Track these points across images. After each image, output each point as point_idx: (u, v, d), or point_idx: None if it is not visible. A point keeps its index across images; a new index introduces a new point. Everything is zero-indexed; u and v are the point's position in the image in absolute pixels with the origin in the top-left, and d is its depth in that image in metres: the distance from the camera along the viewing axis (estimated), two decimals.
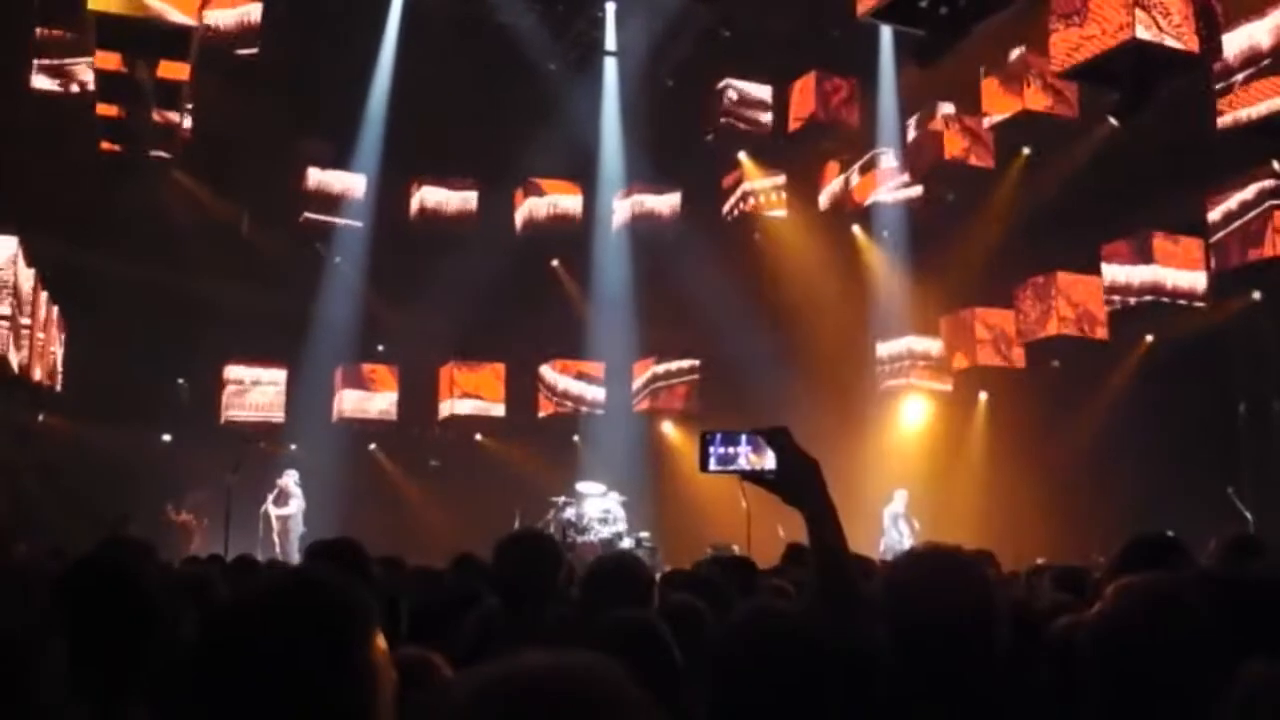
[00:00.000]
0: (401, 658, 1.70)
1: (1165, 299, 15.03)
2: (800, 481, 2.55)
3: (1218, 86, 12.43)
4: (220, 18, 14.76)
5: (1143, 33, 9.63)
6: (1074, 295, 16.39)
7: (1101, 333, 16.28)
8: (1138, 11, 9.61)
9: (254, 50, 15.32)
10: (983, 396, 18.37)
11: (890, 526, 16.20)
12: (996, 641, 2.30)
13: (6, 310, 13.49)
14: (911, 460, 18.36)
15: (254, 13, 15.32)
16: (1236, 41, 12.15)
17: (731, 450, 2.64)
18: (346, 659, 1.47)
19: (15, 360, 13.81)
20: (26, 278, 14.35)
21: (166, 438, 18.42)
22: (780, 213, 19.33)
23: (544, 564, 3.68)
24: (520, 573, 3.63)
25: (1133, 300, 15.32)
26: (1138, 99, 10.61)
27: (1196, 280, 15.03)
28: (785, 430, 2.60)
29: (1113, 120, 11.48)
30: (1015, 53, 14.95)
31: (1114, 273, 15.61)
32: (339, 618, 1.51)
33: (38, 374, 15.31)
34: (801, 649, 2.35)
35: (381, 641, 1.53)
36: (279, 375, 19.03)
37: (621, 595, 3.30)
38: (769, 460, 2.58)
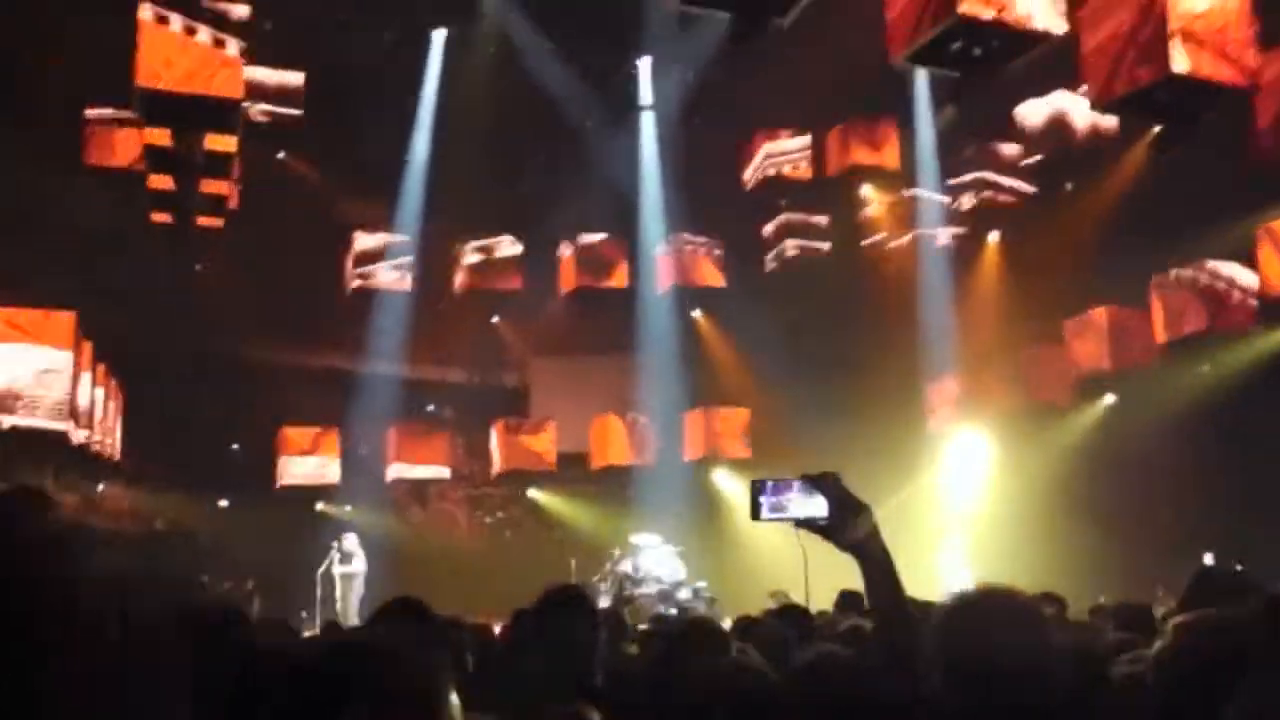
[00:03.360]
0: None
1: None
2: (853, 527, 2.54)
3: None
4: (263, 84, 15.12)
5: (1180, 66, 9.57)
6: (1121, 329, 16.27)
7: (1154, 365, 16.11)
8: (1175, 45, 9.55)
9: (298, 113, 15.65)
10: (1039, 433, 18.18)
11: (949, 569, 16.01)
12: (1053, 682, 2.27)
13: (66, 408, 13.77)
14: (967, 500, 18.18)
15: (296, 79, 15.67)
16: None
17: (783, 498, 2.61)
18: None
19: (75, 433, 14.06)
20: (85, 378, 14.63)
21: (223, 503, 18.61)
22: (823, 255, 19.36)
23: (582, 619, 3.68)
24: (561, 630, 3.63)
25: (1187, 329, 15.17)
26: (1181, 131, 10.56)
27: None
28: (836, 475, 2.58)
29: (1156, 152, 11.44)
30: (1055, 94, 14.96)
31: (1165, 303, 15.47)
32: (419, 681, 1.53)
33: (98, 444, 15.57)
34: (860, 696, 2.34)
35: (455, 702, 1.55)
36: (333, 441, 19.20)
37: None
38: (821, 506, 2.57)
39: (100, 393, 15.94)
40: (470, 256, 19.17)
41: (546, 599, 3.81)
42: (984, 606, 2.35)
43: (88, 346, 14.98)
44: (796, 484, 2.60)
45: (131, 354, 16.74)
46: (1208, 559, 12.86)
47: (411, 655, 1.58)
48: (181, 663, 1.20)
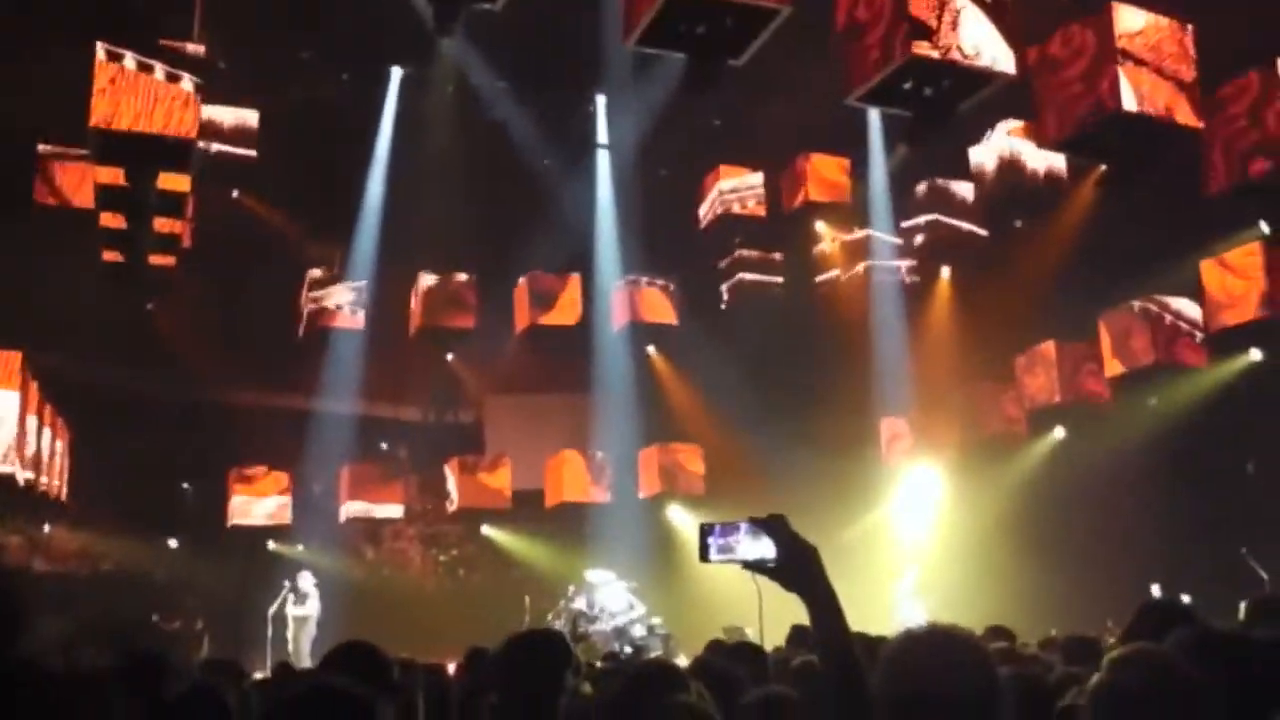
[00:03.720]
0: None
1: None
2: (799, 568, 2.58)
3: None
4: (218, 123, 15.10)
5: (1129, 104, 9.76)
6: (1071, 363, 16.49)
7: (1104, 399, 16.33)
8: (1124, 82, 9.74)
9: (252, 153, 15.62)
10: (991, 467, 18.34)
11: (904, 603, 16.08)
12: (997, 717, 2.29)
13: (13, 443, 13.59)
14: (923, 534, 18.30)
15: (251, 118, 15.66)
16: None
17: (731, 540, 2.67)
18: None
19: (20, 474, 13.87)
20: (31, 419, 14.45)
21: (173, 543, 18.38)
22: (777, 292, 19.51)
23: (555, 662, 3.68)
24: (530, 671, 3.63)
25: (1135, 363, 15.39)
26: (1128, 168, 10.75)
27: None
28: (782, 518, 2.63)
29: (1104, 189, 11.62)
30: (1003, 126, 15.17)
31: (1113, 337, 15.70)
32: None
33: (44, 485, 15.36)
34: None
35: None
36: (284, 481, 19.01)
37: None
38: (769, 548, 2.61)
39: (47, 433, 15.73)
40: (425, 294, 19.08)
41: (518, 646, 3.78)
42: (928, 643, 2.38)
43: (34, 387, 14.79)
44: (744, 526, 2.65)
45: (80, 394, 16.54)
46: (1155, 591, 13.01)
47: (348, 698, 1.60)
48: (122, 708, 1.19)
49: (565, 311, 19.19)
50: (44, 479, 15.38)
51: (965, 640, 2.41)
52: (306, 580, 16.87)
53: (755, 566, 2.64)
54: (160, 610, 16.48)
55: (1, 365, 14.03)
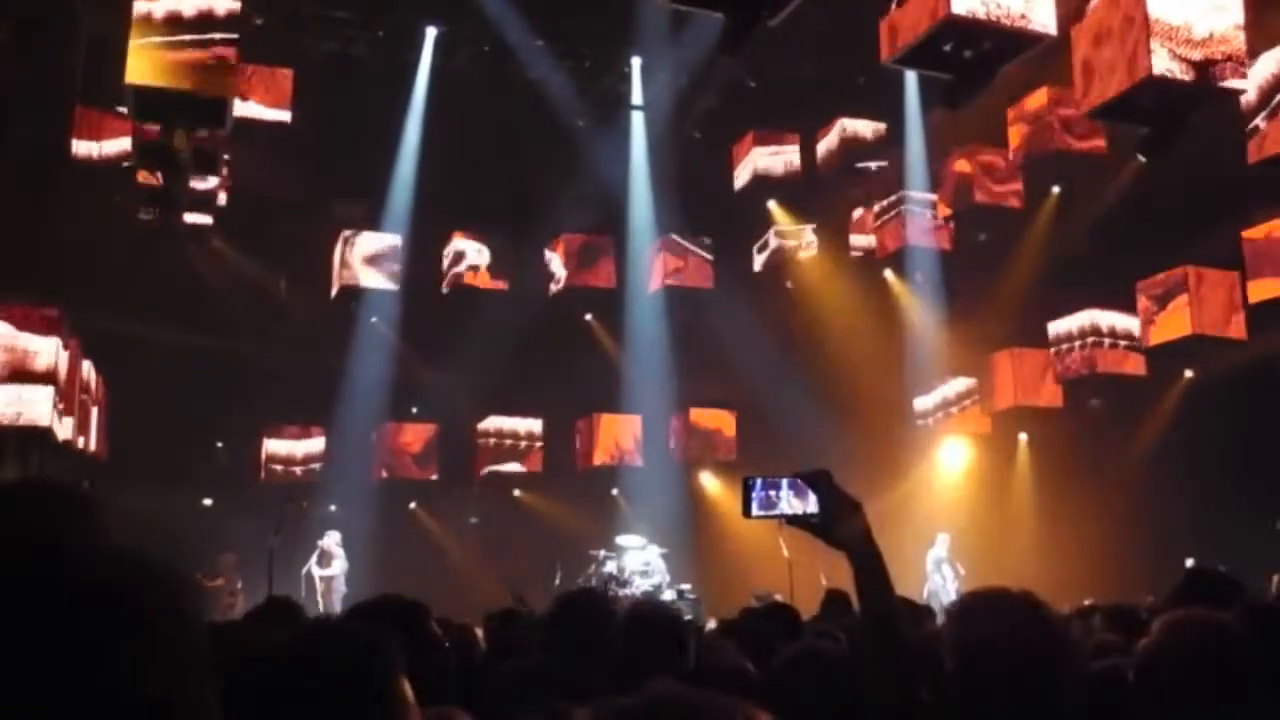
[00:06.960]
0: (427, 718, 1.72)
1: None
2: (844, 523, 2.54)
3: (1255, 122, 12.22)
4: (253, 81, 15.11)
5: (1160, 68, 9.56)
6: (1110, 332, 16.31)
7: (1140, 369, 16.16)
8: (1155, 47, 9.54)
9: (287, 115, 15.62)
10: (1022, 437, 18.22)
11: (933, 571, 16.04)
12: (1069, 686, 2.25)
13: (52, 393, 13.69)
14: (952, 503, 18.21)
15: (286, 77, 15.64)
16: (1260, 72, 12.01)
17: (774, 495, 2.63)
18: (370, 703, 1.49)
19: (60, 429, 13.98)
20: (63, 359, 14.54)
21: (208, 502, 18.51)
22: (811, 257, 19.41)
23: (600, 619, 3.67)
24: (577, 628, 3.62)
25: (1172, 334, 15.20)
26: (1166, 135, 10.56)
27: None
28: (827, 473, 2.59)
29: (1140, 157, 11.42)
30: (1041, 92, 14.98)
31: (1151, 306, 15.51)
32: (362, 664, 1.53)
33: (82, 441, 15.48)
34: (844, 691, 2.34)
35: (405, 687, 1.54)
36: (318, 440, 19.15)
37: (660, 647, 3.27)
38: (811, 504, 2.57)
39: (88, 387, 15.85)
40: (458, 253, 19.09)
41: (567, 604, 3.78)
42: (1002, 607, 2.34)
43: (73, 343, 14.89)
44: (787, 481, 2.62)
45: (116, 351, 16.64)
46: (1188, 564, 12.91)
47: (354, 636, 1.58)
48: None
49: (602, 275, 19.20)
50: (82, 435, 15.50)
51: (1032, 599, 2.37)
52: (332, 539, 16.99)
53: (798, 522, 2.61)
54: (198, 568, 16.62)
55: (41, 320, 14.10)
